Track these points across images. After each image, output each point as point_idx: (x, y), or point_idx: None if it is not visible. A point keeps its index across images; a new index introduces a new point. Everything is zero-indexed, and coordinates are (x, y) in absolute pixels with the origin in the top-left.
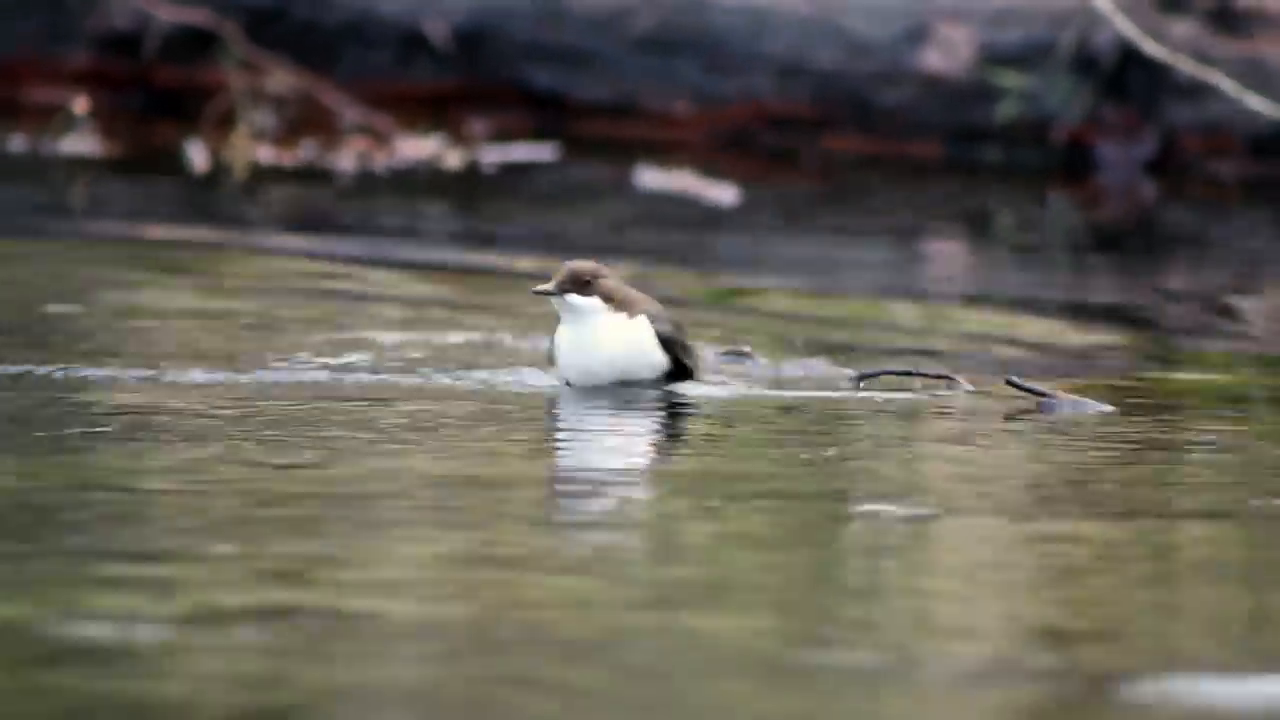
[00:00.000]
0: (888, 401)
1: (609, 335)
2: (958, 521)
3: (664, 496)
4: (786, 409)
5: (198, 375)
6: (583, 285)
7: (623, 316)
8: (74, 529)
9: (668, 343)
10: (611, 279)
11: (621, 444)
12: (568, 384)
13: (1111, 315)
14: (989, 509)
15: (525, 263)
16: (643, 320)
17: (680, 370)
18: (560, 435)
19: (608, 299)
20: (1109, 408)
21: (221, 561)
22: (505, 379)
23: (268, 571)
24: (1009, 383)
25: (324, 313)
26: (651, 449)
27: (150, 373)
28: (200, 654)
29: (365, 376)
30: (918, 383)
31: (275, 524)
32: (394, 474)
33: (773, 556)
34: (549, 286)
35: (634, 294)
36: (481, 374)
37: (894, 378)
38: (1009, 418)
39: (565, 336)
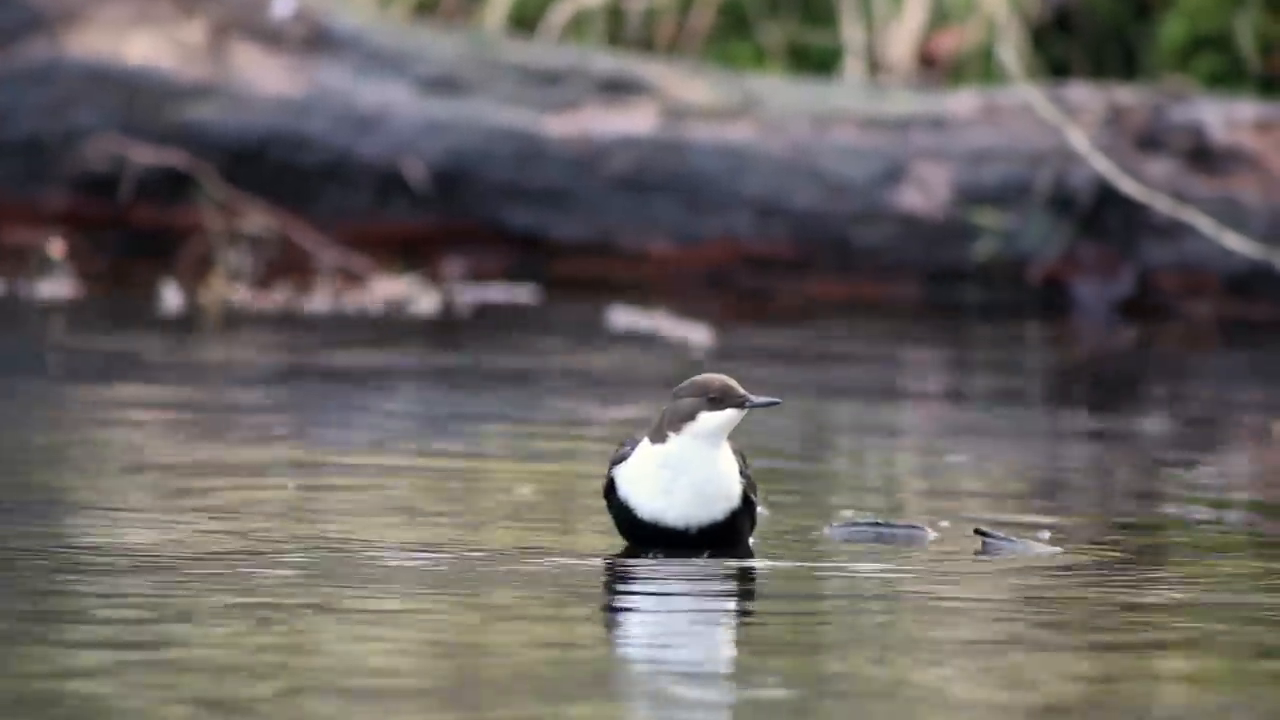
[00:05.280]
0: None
1: (719, 463)
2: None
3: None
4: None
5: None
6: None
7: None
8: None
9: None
10: None
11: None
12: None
13: (1088, 455)
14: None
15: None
16: (728, 451)
17: (748, 508)
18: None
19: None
20: (1055, 549)
21: None
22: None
23: None
24: (978, 532)
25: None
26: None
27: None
28: None
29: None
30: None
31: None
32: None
33: None
34: (761, 400)
35: None
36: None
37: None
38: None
39: (663, 462)
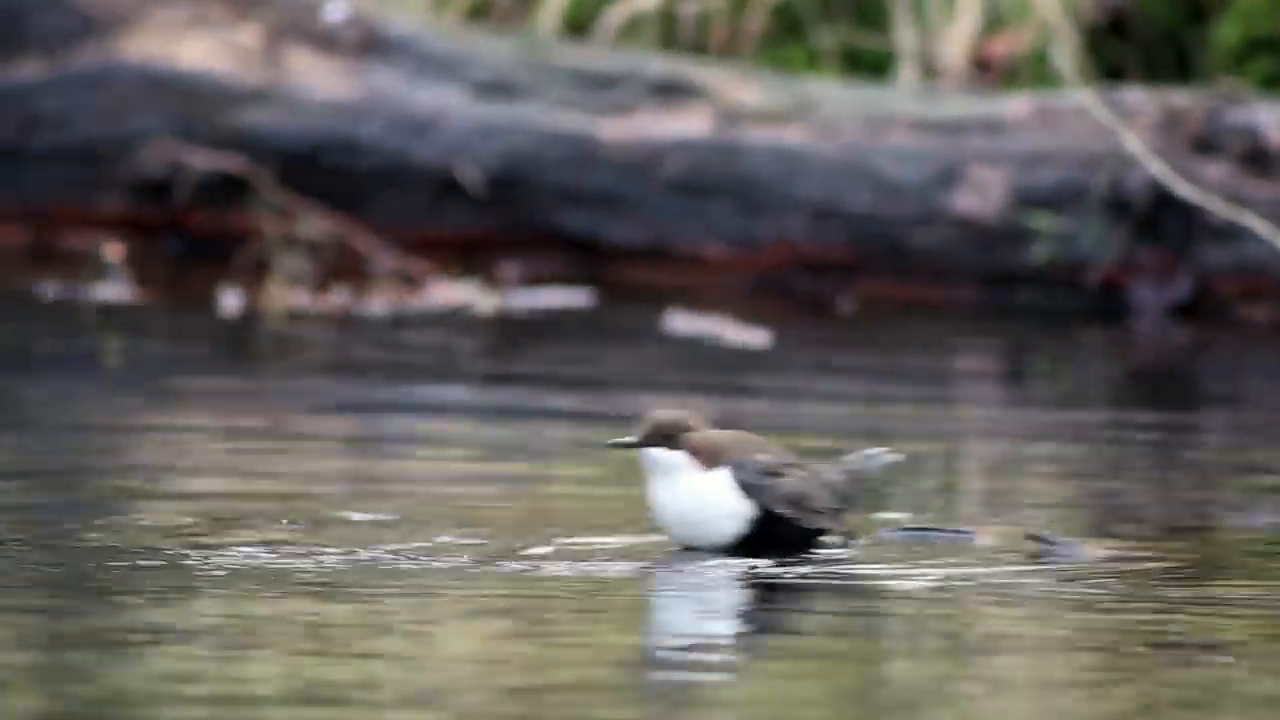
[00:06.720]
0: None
1: (685, 491)
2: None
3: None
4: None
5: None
6: (668, 439)
7: (704, 470)
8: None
9: (754, 490)
10: (700, 429)
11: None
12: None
13: (1146, 465)
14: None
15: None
16: (722, 472)
17: (773, 520)
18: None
19: (695, 452)
20: (1102, 553)
21: None
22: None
23: None
24: (1029, 536)
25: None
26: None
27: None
28: None
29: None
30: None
31: None
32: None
33: None
34: (630, 439)
35: (726, 442)
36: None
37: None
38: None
39: (652, 494)
